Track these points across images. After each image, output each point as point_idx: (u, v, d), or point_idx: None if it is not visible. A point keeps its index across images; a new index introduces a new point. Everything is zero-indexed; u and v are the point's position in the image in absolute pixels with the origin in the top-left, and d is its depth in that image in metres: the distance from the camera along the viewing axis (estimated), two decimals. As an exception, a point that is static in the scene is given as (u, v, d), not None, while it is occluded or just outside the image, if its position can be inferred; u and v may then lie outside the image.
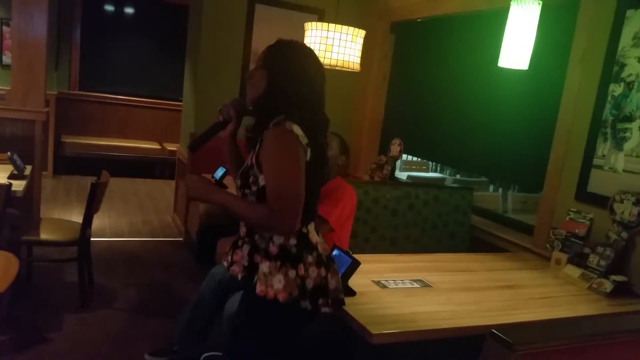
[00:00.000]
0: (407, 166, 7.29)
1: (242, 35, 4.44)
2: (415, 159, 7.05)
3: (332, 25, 3.31)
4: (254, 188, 1.56)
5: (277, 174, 1.50)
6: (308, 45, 3.36)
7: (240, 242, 1.65)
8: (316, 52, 3.27)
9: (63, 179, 6.47)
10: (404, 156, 6.42)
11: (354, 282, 1.91)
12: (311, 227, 1.63)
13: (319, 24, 3.37)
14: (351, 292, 1.87)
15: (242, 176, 1.60)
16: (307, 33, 3.45)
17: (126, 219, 5.18)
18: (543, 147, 2.88)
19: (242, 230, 1.64)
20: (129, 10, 7.70)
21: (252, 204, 1.56)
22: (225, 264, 1.71)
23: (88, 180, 3.14)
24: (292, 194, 1.48)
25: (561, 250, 2.52)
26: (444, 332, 1.69)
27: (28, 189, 3.38)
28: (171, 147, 7.04)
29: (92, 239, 3.37)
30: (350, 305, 1.77)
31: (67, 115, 6.88)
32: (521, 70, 2.35)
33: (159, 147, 7.33)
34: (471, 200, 3.34)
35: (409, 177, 5.85)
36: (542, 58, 2.77)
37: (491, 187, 5.88)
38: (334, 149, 2.56)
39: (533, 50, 2.27)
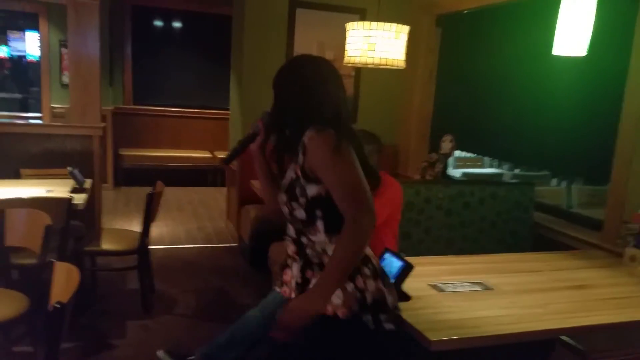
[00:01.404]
0: (461, 163, 7.06)
1: (284, 40, 4.45)
2: (469, 155, 6.83)
3: (373, 24, 3.24)
4: (302, 200, 1.50)
5: (341, 174, 1.44)
6: (347, 45, 3.35)
7: (289, 262, 1.59)
8: (359, 52, 3.27)
9: (123, 189, 6.73)
10: (457, 152, 6.23)
11: (409, 286, 1.84)
12: None
13: (360, 23, 3.32)
14: (406, 297, 1.81)
15: (288, 191, 1.54)
16: (349, 34, 3.40)
17: (182, 226, 5.31)
18: (607, 136, 2.70)
19: (291, 248, 1.58)
20: (176, 24, 7.92)
21: (337, 248, 1.45)
22: (277, 288, 1.67)
23: (146, 190, 3.23)
24: (362, 187, 1.43)
25: (635, 246, 2.35)
26: (509, 337, 1.60)
27: (89, 201, 3.53)
28: (221, 154, 7.17)
29: (151, 246, 3.46)
30: (406, 311, 1.70)
31: (124, 129, 7.15)
32: (578, 57, 2.20)
33: (210, 155, 7.48)
34: (532, 196, 3.18)
35: (463, 174, 5.67)
36: (600, 42, 2.60)
37: (554, 181, 5.60)
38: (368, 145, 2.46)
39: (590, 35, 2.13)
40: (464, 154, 6.70)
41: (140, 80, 7.49)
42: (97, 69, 4.22)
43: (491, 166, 7.12)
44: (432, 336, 1.53)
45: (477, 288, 1.98)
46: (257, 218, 4.12)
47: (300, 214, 1.51)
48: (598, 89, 2.88)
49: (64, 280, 1.71)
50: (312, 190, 1.48)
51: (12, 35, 8.73)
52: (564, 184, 4.96)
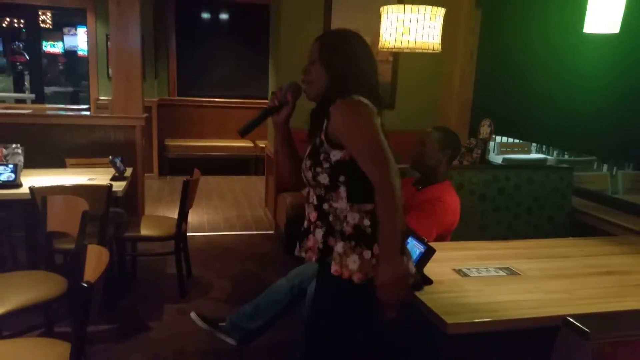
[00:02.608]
0: (507, 149, 6.85)
1: (321, 27, 4.44)
2: (515, 140, 6.61)
3: (407, 7, 3.18)
4: (325, 165, 1.54)
5: (363, 138, 1.48)
6: (382, 29, 3.31)
7: (311, 227, 1.63)
8: (394, 36, 3.22)
9: (168, 179, 6.95)
10: (503, 138, 6.04)
11: (432, 270, 1.82)
12: None
13: (394, 6, 3.26)
14: (428, 281, 1.79)
15: (312, 156, 1.58)
16: (383, 18, 3.35)
17: (222, 214, 5.44)
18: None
19: (313, 215, 1.62)
20: (217, 15, 8.05)
21: (379, 212, 1.47)
22: (302, 254, 1.70)
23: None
24: (385, 150, 1.46)
25: (677, 232, 2.22)
26: (526, 322, 1.55)
27: (131, 189, 3.67)
28: (262, 143, 7.27)
29: (192, 233, 3.56)
30: (427, 294, 1.70)
31: (168, 120, 7.36)
32: (615, 35, 2.09)
33: (251, 144, 7.60)
34: (571, 181, 3.06)
35: (504, 160, 5.49)
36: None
37: (602, 166, 5.35)
38: (432, 144, 2.44)
39: (628, 10, 2.01)
40: (510, 140, 6.49)
41: (184, 71, 7.68)
42: (139, 61, 4.36)
43: (539, 152, 6.85)
44: (449, 319, 1.51)
45: (503, 273, 1.93)
46: (292, 205, 4.16)
47: (324, 178, 1.55)
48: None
49: (95, 262, 1.79)
50: (336, 155, 1.52)
51: (66, 31, 9.15)
52: (605, 168, 4.72)
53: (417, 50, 3.32)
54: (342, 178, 1.53)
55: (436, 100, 4.73)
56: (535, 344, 1.41)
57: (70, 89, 8.88)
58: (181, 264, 3.38)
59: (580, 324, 0.98)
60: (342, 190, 1.54)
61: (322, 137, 1.55)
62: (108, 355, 2.60)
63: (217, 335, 2.63)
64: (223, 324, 2.63)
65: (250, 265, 4.00)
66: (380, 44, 3.35)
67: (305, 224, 1.67)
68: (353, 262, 1.50)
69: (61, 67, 9.46)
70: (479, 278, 1.89)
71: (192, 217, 3.40)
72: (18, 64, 9.12)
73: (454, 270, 1.95)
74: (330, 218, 1.56)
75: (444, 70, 4.62)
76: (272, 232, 4.86)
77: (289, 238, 4.13)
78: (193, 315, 2.68)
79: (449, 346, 1.61)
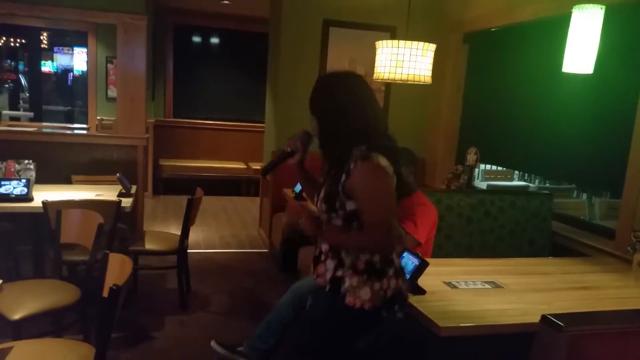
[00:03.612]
0: (491, 175, 7.11)
1: (318, 57, 4.70)
2: (498, 168, 6.88)
3: (402, 42, 3.44)
4: (340, 212, 1.72)
5: (375, 210, 1.64)
6: (377, 62, 3.56)
7: (323, 257, 1.80)
8: (388, 68, 3.47)
9: (161, 198, 7.07)
10: (487, 166, 6.30)
11: (425, 282, 2.02)
12: None
13: (389, 41, 3.52)
14: (421, 291, 1.98)
15: (327, 201, 1.74)
16: (378, 51, 3.61)
17: (217, 233, 5.58)
18: (622, 150, 2.81)
19: (324, 247, 1.79)
20: (214, 41, 8.33)
21: (353, 235, 1.71)
22: (313, 277, 1.88)
23: (183, 199, 3.48)
24: (389, 225, 1.63)
25: (644, 253, 2.45)
26: (512, 327, 1.75)
27: (133, 206, 3.82)
28: (256, 166, 7.46)
29: (188, 250, 3.71)
30: (420, 303, 1.89)
31: (164, 141, 7.53)
32: (590, 74, 2.35)
33: (244, 166, 7.78)
34: (551, 206, 3.29)
35: (488, 186, 5.75)
36: (613, 60, 2.73)
37: (581, 195, 5.62)
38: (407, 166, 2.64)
39: (603, 53, 2.27)
40: (494, 167, 6.76)
41: (181, 94, 7.91)
42: (144, 84, 4.56)
43: (522, 179, 7.12)
44: (442, 323, 1.71)
45: (488, 286, 2.14)
46: (288, 224, 4.33)
47: (338, 222, 1.74)
48: (613, 104, 3.00)
49: (118, 269, 1.95)
50: (351, 205, 1.70)
51: (59, 51, 9.28)
52: (584, 196, 5.00)
53: (408, 82, 3.57)
54: (355, 224, 1.71)
55: (425, 128, 4.98)
56: (517, 347, 1.60)
57: (64, 108, 9.00)
58: (182, 278, 3.52)
59: (556, 319, 1.18)
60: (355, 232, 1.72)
61: (339, 189, 1.70)
62: (115, 363, 2.73)
63: (236, 359, 2.78)
64: (241, 348, 2.78)
65: (246, 282, 4.15)
66: (374, 75, 3.60)
67: (316, 252, 1.85)
68: (365, 293, 1.69)
69: (53, 86, 9.58)
70: (467, 290, 2.09)
71: (189, 234, 3.58)
72: (9, 81, 9.23)
73: (444, 282, 2.14)
74: (342, 254, 1.73)
75: (433, 100, 4.88)
76: (266, 250, 5.02)
77: (284, 256, 4.28)
78: (213, 343, 2.83)
79: (441, 349, 1.79)
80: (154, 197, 7.09)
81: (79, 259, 3.05)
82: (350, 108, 1.71)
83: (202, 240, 5.24)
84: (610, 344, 1.16)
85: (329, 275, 1.75)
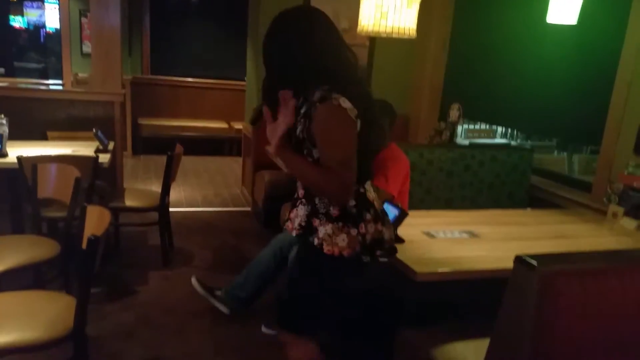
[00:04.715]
0: (473, 134, 7.15)
1: (300, 10, 4.56)
2: (481, 126, 6.92)
3: (386, -7, 3.36)
4: (309, 159, 1.64)
5: (331, 153, 1.55)
6: (361, 14, 3.48)
7: (297, 203, 1.76)
8: (372, 21, 3.40)
9: (142, 158, 6.99)
10: (470, 125, 6.32)
11: (404, 232, 2.03)
12: (368, 185, 1.72)
13: (373, -8, 3.43)
14: (400, 240, 2.00)
15: (295, 148, 1.65)
16: (362, 2, 3.52)
17: (199, 192, 5.56)
18: (603, 103, 2.83)
19: (300, 191, 1.75)
20: (193, -5, 8.06)
21: (312, 170, 1.60)
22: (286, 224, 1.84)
23: (164, 159, 3.40)
24: (348, 168, 1.55)
25: (618, 204, 2.51)
26: (487, 273, 1.79)
27: (111, 162, 3.76)
28: (238, 125, 7.37)
29: (170, 209, 3.68)
30: (399, 252, 1.90)
31: (142, 99, 7.37)
32: (574, 26, 2.33)
33: (226, 126, 7.69)
34: (531, 160, 3.33)
35: (470, 143, 5.79)
36: (597, 11, 2.71)
37: (562, 153, 5.69)
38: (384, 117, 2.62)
39: (586, 4, 2.25)
40: (477, 126, 6.79)
41: (158, 50, 7.70)
42: (118, 38, 4.41)
43: (504, 137, 7.17)
44: (418, 269, 1.74)
45: (465, 235, 2.17)
46: (270, 182, 4.33)
47: None
48: (595, 56, 2.99)
49: (96, 221, 1.93)
50: (317, 153, 1.61)
51: (30, 6, 8.91)
52: (564, 153, 5.07)
53: (393, 36, 3.50)
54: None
55: (409, 85, 4.94)
56: (492, 293, 1.63)
57: (37, 65, 8.71)
58: (164, 234, 3.52)
59: (530, 259, 1.20)
60: None
61: (304, 134, 1.61)
62: (99, 315, 2.73)
63: (212, 302, 2.81)
64: (219, 292, 2.81)
65: (229, 239, 4.16)
66: (359, 27, 3.52)
67: (295, 194, 1.79)
68: (342, 240, 1.62)
69: (24, 43, 9.24)
70: (445, 239, 2.12)
71: (170, 193, 3.55)
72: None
73: (423, 232, 2.17)
74: (316, 200, 1.67)
75: (417, 56, 4.83)
76: (249, 209, 5.03)
77: (267, 213, 4.30)
78: (193, 279, 2.85)
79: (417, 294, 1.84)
80: (134, 157, 7.00)
81: (58, 215, 3.01)
82: (311, 40, 1.59)
83: (184, 199, 5.22)
84: (583, 282, 1.19)
85: (297, 221, 1.71)
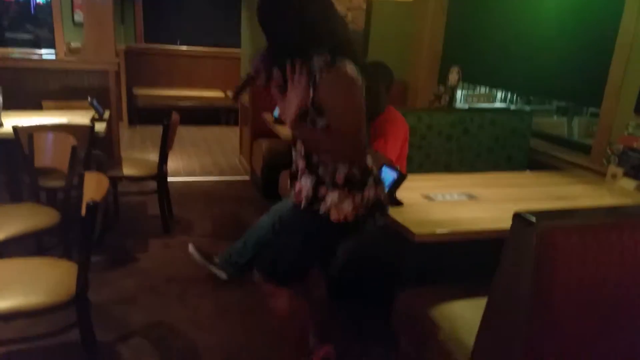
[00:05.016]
0: (473, 99, 7.10)
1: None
2: (480, 91, 6.87)
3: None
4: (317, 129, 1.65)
5: (344, 116, 1.55)
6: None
7: (299, 175, 1.77)
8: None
9: (138, 128, 6.95)
10: (469, 91, 6.26)
11: (403, 195, 2.04)
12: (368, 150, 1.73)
13: (370, -48, 3.35)
14: (398, 203, 2.01)
15: (300, 119, 1.65)
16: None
17: (197, 161, 5.55)
18: (604, 63, 2.79)
19: (301, 163, 1.74)
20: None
21: (323, 136, 1.62)
22: (290, 197, 1.85)
23: (160, 129, 3.37)
24: (360, 130, 1.56)
25: (618, 165, 2.50)
26: (485, 233, 1.80)
27: (108, 132, 3.73)
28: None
29: (168, 178, 3.67)
30: (398, 214, 1.91)
31: (136, 69, 7.27)
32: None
33: (222, 95, 7.61)
34: (530, 123, 3.30)
35: (470, 108, 5.75)
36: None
37: (560, 117, 5.67)
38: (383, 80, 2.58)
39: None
40: (476, 91, 6.74)
41: (151, 18, 7.55)
42: (110, 5, 4.32)
43: (502, 102, 7.11)
44: (416, 230, 1.74)
45: (464, 198, 2.17)
46: (268, 150, 4.31)
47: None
48: (596, 16, 2.94)
49: (94, 187, 1.93)
50: (321, 122, 1.63)
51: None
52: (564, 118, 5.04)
53: (390, -1, 3.44)
54: None
55: (407, 48, 4.86)
56: (490, 253, 1.64)
57: (28, 35, 8.56)
58: (164, 202, 3.52)
59: (528, 215, 1.21)
60: None
61: (309, 103, 1.60)
62: (101, 282, 2.76)
63: (210, 268, 2.83)
64: (217, 259, 2.83)
65: (228, 207, 4.17)
66: (355, -10, 3.45)
67: (294, 167, 1.81)
68: (347, 205, 1.67)
69: (14, 15, 9.07)
70: (444, 202, 2.12)
71: (168, 163, 3.54)
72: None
73: (422, 195, 2.17)
74: (320, 170, 1.69)
75: (415, 18, 4.74)
76: (247, 178, 5.02)
77: (266, 181, 4.29)
78: (190, 247, 2.86)
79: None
80: (130, 128, 6.96)
81: (56, 185, 3.01)
82: (307, 4, 1.57)
83: (183, 169, 5.21)
84: (582, 238, 1.19)
85: (305, 193, 1.72)
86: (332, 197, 1.67)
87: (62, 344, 2.18)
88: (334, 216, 1.67)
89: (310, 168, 1.71)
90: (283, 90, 1.67)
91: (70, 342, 2.14)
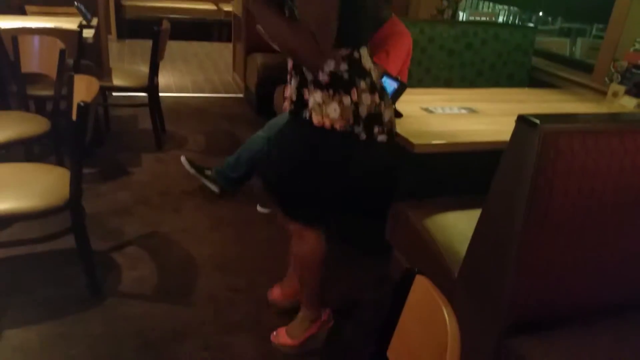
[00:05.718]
0: (475, 17, 6.90)
1: None
2: (483, 9, 6.66)
3: None
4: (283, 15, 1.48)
5: (308, 5, 1.38)
6: None
7: (289, 77, 1.63)
8: None
9: (127, 42, 6.70)
10: (472, 9, 6.04)
11: (402, 107, 1.99)
12: (364, 51, 1.54)
13: None
14: (398, 114, 1.96)
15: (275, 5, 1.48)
16: None
17: (189, 77, 5.40)
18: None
19: (290, 63, 1.61)
20: None
21: (293, 24, 1.43)
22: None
23: (150, 43, 3.23)
24: (323, 27, 1.38)
25: (620, 83, 2.45)
26: (484, 145, 1.78)
27: (96, 42, 3.59)
28: (227, 7, 6.99)
29: (160, 94, 3.57)
30: (397, 125, 1.86)
31: (124, -23, 6.90)
32: None
33: (215, 7, 7.29)
34: (533, 40, 3.20)
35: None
36: None
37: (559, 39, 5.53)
38: None
39: None
40: (479, 9, 6.52)
41: None
42: None
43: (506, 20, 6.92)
44: (415, 141, 1.71)
45: (464, 111, 2.13)
46: (263, 65, 4.18)
47: None
48: None
49: (84, 89, 1.86)
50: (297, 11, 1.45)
51: None
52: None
53: None
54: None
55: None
56: (488, 171, 1.60)
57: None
58: (155, 116, 3.45)
59: (533, 118, 1.18)
60: None
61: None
62: (94, 193, 2.76)
63: (203, 181, 2.82)
64: (209, 172, 2.81)
65: (222, 124, 4.11)
66: None
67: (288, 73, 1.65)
68: (333, 110, 1.49)
69: None
70: (443, 115, 2.08)
71: (158, 79, 3.43)
72: None
73: (422, 108, 2.13)
74: (304, 68, 1.51)
75: None
76: (241, 95, 4.91)
77: (260, 98, 4.21)
78: (183, 158, 2.84)
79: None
80: (119, 41, 6.71)
81: (45, 94, 2.92)
82: None
83: (174, 84, 5.08)
84: (584, 142, 1.17)
85: (292, 97, 1.59)
86: (314, 98, 1.52)
87: (58, 251, 2.20)
88: (316, 119, 1.52)
89: (296, 67, 1.56)
90: None
91: (65, 249, 2.17)
